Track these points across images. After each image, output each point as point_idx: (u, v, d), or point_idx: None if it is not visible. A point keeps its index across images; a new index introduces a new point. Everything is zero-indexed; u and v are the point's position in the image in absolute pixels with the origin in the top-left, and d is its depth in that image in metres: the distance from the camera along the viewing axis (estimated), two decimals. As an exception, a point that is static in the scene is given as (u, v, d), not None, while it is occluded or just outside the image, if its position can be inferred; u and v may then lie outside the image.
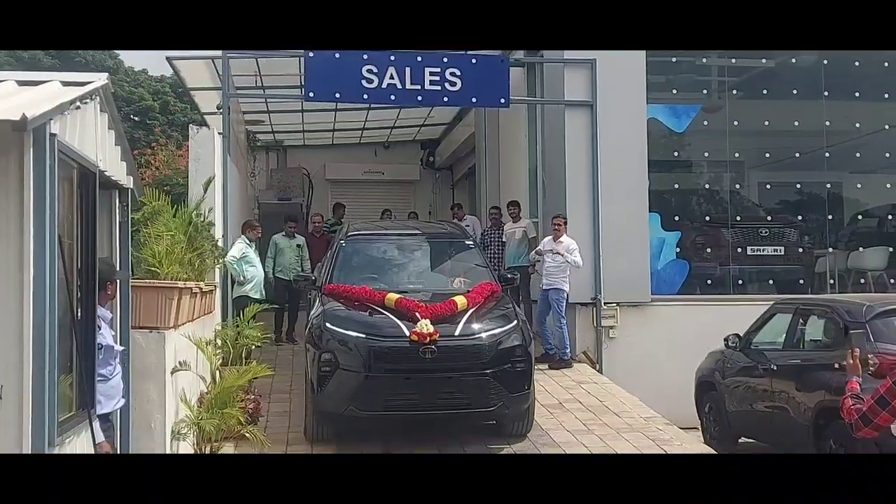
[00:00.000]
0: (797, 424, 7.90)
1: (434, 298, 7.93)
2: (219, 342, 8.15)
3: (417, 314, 7.45)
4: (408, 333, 7.28)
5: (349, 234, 9.33)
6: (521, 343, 7.69)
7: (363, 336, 7.44)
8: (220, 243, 9.37)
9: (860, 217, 12.97)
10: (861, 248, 12.57)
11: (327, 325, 7.62)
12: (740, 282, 12.18)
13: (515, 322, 7.83)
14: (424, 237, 9.66)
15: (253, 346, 8.19)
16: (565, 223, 10.63)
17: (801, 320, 8.45)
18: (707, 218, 12.43)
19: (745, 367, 8.97)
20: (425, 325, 7.26)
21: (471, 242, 9.53)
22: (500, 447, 7.59)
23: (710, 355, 9.79)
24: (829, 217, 12.56)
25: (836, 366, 7.47)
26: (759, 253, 12.31)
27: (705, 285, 12.06)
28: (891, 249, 12.46)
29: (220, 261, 9.23)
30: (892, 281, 12.14)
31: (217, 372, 7.68)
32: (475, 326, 7.62)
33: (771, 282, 12.24)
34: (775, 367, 8.41)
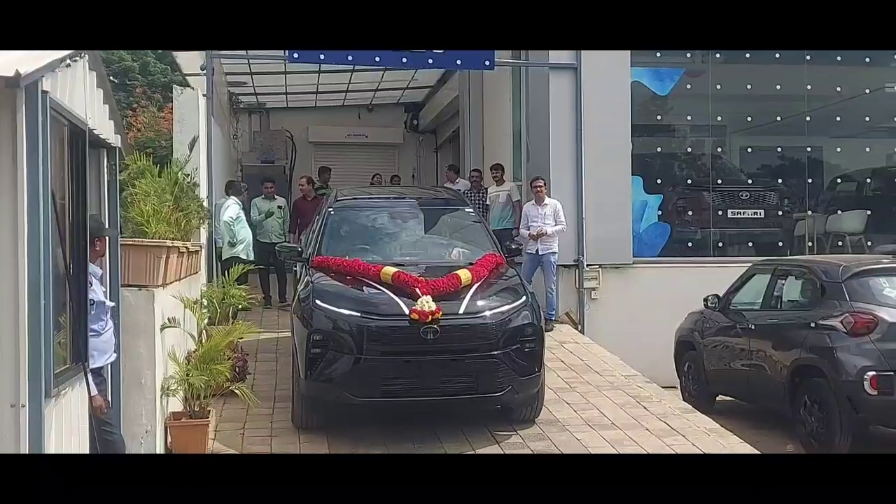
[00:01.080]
0: (773, 382, 8.11)
1: (434, 272, 7.23)
2: (205, 302, 8.22)
3: (417, 290, 6.77)
4: (407, 311, 6.62)
5: (337, 200, 8.62)
6: (531, 321, 7.01)
7: (357, 314, 6.75)
8: (204, 204, 9.42)
9: (839, 181, 13.13)
10: (840, 212, 12.75)
11: (316, 302, 6.93)
12: (720, 244, 12.35)
13: (525, 298, 7.14)
14: (420, 204, 8.91)
15: (239, 306, 8.22)
16: (545, 185, 10.72)
17: (778, 281, 8.63)
18: (689, 181, 12.56)
19: (723, 326, 9.15)
20: (426, 303, 6.59)
21: (471, 210, 8.81)
22: (508, 434, 7.03)
23: (689, 316, 9.97)
24: (809, 181, 12.72)
25: (813, 325, 7.70)
26: (739, 216, 12.47)
27: (686, 248, 12.23)
28: (869, 212, 12.65)
29: (206, 221, 9.26)
30: (869, 243, 12.34)
31: (203, 332, 7.74)
32: (481, 303, 6.93)
33: (751, 244, 12.41)
34: (753, 327, 8.59)
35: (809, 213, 12.71)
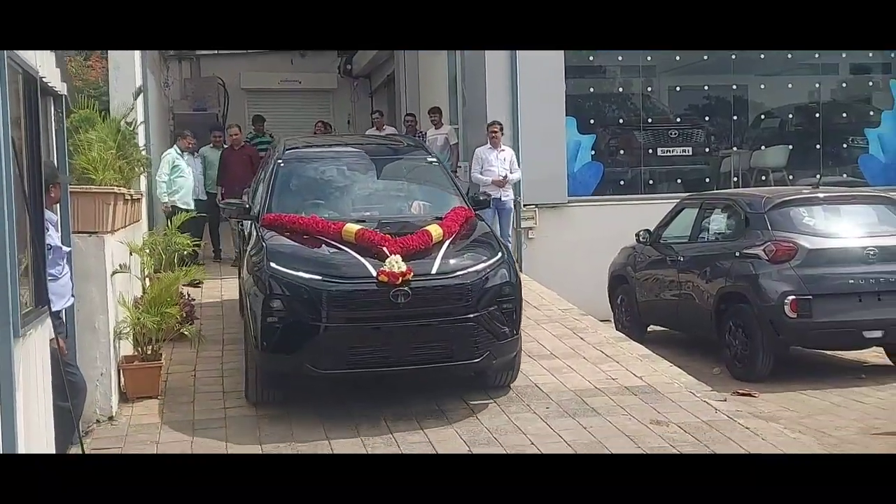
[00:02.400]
0: (701, 310, 8.57)
1: (401, 228, 6.67)
2: (147, 250, 8.30)
3: (385, 249, 6.16)
4: (374, 273, 6.04)
5: (287, 150, 7.81)
6: (508, 279, 6.46)
7: (318, 278, 6.12)
8: (143, 152, 9.43)
9: (763, 117, 13.63)
10: (763, 147, 13.28)
11: (271, 265, 6.26)
12: (651, 182, 12.80)
13: (501, 254, 6.59)
14: (378, 153, 8.31)
15: (185, 253, 8.32)
16: (501, 130, 10.87)
17: (705, 214, 9.06)
18: (620, 121, 12.92)
19: (654, 260, 9.58)
20: (396, 263, 6.03)
21: (434, 159, 8.04)
22: (484, 403, 6.56)
23: (622, 251, 10.38)
24: (735, 118, 13.21)
25: (737, 254, 8.14)
26: (668, 154, 12.93)
27: (618, 186, 12.66)
28: (791, 148, 13.20)
29: (147, 170, 9.29)
30: (791, 177, 12.91)
31: (147, 279, 7.83)
32: (455, 262, 6.36)
33: (679, 181, 12.86)
34: (682, 259, 9.02)
35: (735, 149, 13.22)
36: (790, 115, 13.66)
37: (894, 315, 7.65)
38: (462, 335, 6.18)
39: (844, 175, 13.32)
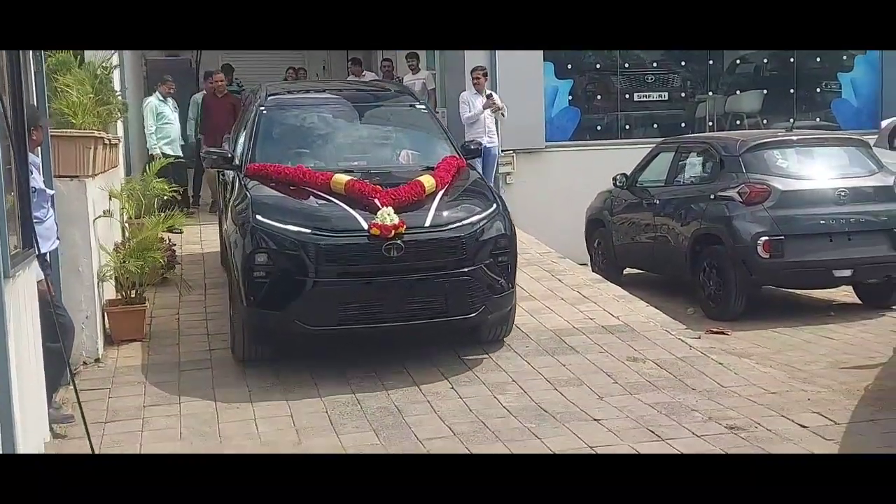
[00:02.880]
0: (676, 252, 8.73)
1: (392, 179, 6.42)
2: (126, 195, 8.29)
3: (377, 201, 5.95)
4: (366, 226, 5.84)
5: (270, 96, 7.51)
6: (504, 231, 6.30)
7: (307, 231, 5.90)
8: (119, 97, 9.35)
9: (738, 62, 13.70)
10: (738, 92, 13.38)
11: (258, 217, 6.02)
12: (627, 126, 12.90)
13: (495, 205, 6.40)
14: (363, 100, 7.97)
15: (164, 197, 8.31)
16: (485, 75, 10.85)
17: (681, 158, 9.18)
18: (597, 66, 12.95)
19: (630, 203, 9.70)
20: (388, 215, 5.83)
21: (423, 105, 7.79)
22: (479, 358, 6.39)
23: (599, 195, 10.49)
24: (710, 63, 13.26)
25: (712, 196, 8.29)
26: (644, 99, 13.02)
27: (595, 131, 12.74)
28: (765, 92, 13.32)
29: (124, 114, 9.23)
30: (765, 122, 13.04)
31: (127, 224, 7.84)
32: (449, 213, 6.15)
33: (655, 126, 12.98)
34: (658, 202, 9.15)
35: (710, 94, 13.31)
36: (765, 61, 13.74)
37: (863, 254, 7.84)
38: (457, 290, 5.98)
39: (818, 119, 13.47)
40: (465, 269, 6.01)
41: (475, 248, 6.08)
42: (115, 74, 9.65)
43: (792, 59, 13.48)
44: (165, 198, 8.35)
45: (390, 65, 13.50)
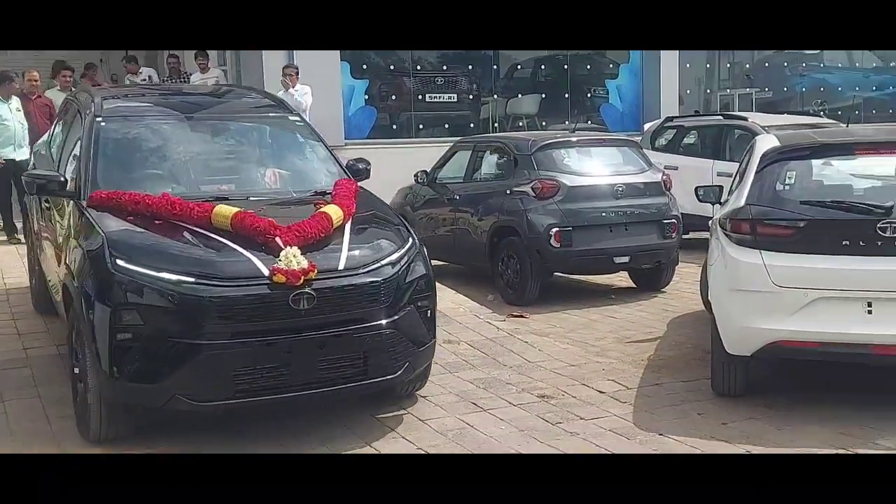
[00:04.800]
0: (476, 244, 9.38)
1: (286, 210, 5.40)
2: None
3: (278, 239, 4.84)
4: (266, 272, 4.71)
5: (106, 103, 6.17)
6: (425, 272, 5.36)
7: (189, 280, 4.67)
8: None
9: (519, 68, 14.73)
10: (519, 95, 14.40)
11: (119, 262, 4.75)
12: (421, 126, 13.55)
13: (412, 240, 5.44)
14: (225, 109, 6.76)
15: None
16: (297, 74, 10.99)
17: (478, 156, 9.86)
18: (391, 67, 13.48)
19: (431, 199, 10.25)
20: (294, 257, 4.74)
21: (297, 117, 6.71)
22: (395, 414, 5.55)
23: (399, 191, 10.97)
24: (495, 67, 14.18)
25: (508, 192, 9.01)
26: (436, 100, 13.71)
27: (391, 130, 13.27)
28: (543, 96, 14.43)
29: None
30: (543, 123, 14.13)
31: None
32: (364, 253, 5.11)
33: (447, 126, 13.71)
34: (457, 197, 9.77)
35: (494, 97, 14.24)
36: (542, 67, 14.87)
37: (638, 243, 8.82)
38: (378, 346, 4.97)
39: (589, 122, 14.76)
40: (387, 321, 4.99)
41: (397, 294, 5.08)
42: None
43: (566, 66, 14.69)
44: None
45: (177, 62, 13.22)
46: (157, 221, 5.13)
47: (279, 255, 4.77)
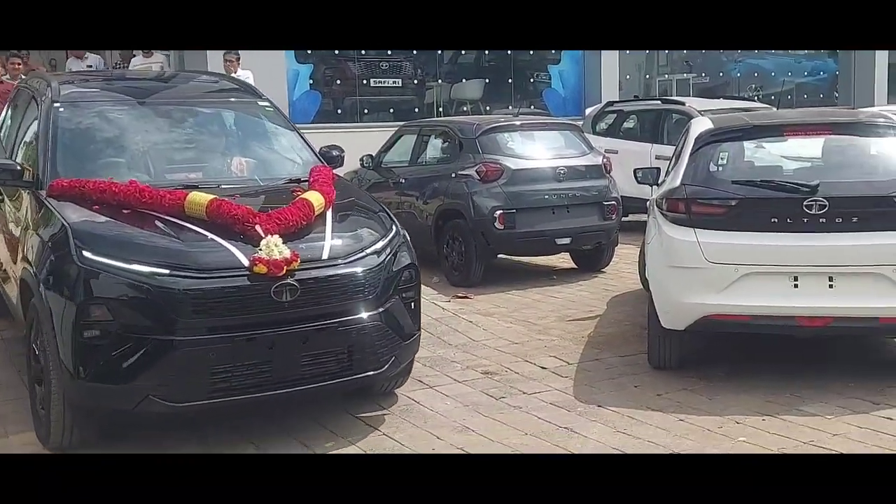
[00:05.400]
0: (422, 227, 9.49)
1: (257, 198, 5.20)
2: None
3: (258, 227, 4.59)
4: (246, 262, 4.47)
5: (63, 87, 5.89)
6: (410, 261, 5.18)
7: (163, 271, 4.40)
8: None
9: (463, 53, 14.86)
10: (463, 81, 14.55)
11: (85, 254, 4.45)
12: (366, 111, 13.62)
13: (395, 228, 5.27)
14: (187, 93, 6.51)
15: None
16: (238, 60, 10.99)
17: (423, 140, 9.99)
18: (336, 52, 13.51)
19: (376, 182, 10.35)
20: (275, 246, 4.49)
21: (266, 102, 6.48)
22: (380, 414, 5.36)
23: (345, 175, 11.05)
24: (439, 53, 14.30)
25: (453, 175, 9.16)
26: (380, 85, 13.79)
27: (336, 114, 13.32)
28: (486, 81, 14.59)
29: None
30: (487, 108, 14.30)
31: None
32: (347, 242, 4.90)
33: (391, 110, 13.79)
34: (403, 181, 9.89)
35: (439, 82, 14.36)
36: (486, 53, 15.02)
37: (579, 224, 9.04)
38: (363, 339, 4.74)
39: (532, 106, 14.98)
40: (372, 313, 4.77)
41: (383, 285, 4.87)
42: None
43: (509, 52, 14.86)
44: None
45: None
46: (124, 210, 4.82)
47: (259, 245, 4.52)
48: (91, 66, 12.17)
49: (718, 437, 4.88)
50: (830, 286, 5.39)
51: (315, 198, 5.00)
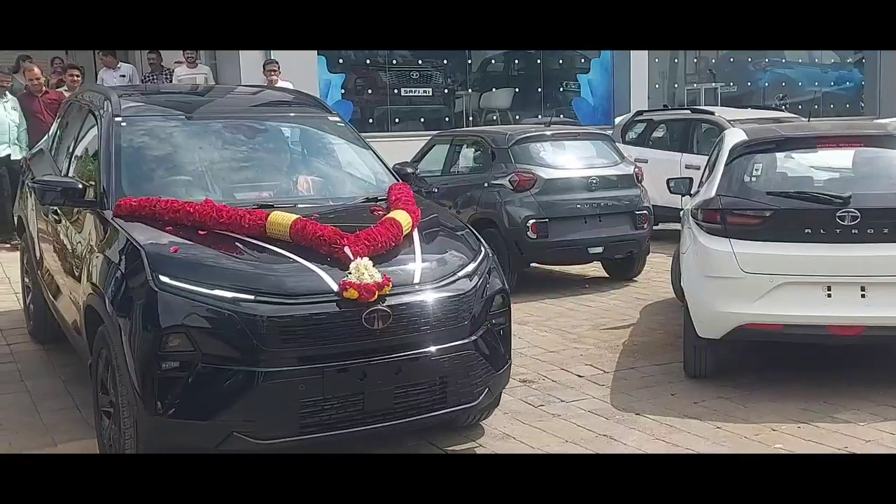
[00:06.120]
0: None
1: (345, 217, 4.99)
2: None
3: (347, 249, 4.26)
4: (335, 287, 4.16)
5: (125, 105, 5.56)
6: (502, 286, 4.83)
7: (248, 297, 4.09)
8: None
9: (492, 61, 15.02)
10: (493, 90, 14.70)
11: (161, 279, 4.13)
12: (397, 120, 13.78)
13: (484, 250, 4.89)
14: (255, 108, 6.24)
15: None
16: (279, 68, 11.19)
17: (456, 149, 10.14)
18: (367, 62, 13.71)
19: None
20: (366, 270, 4.17)
21: (337, 118, 6.18)
22: (470, 446, 5.05)
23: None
24: (469, 62, 14.46)
25: (486, 185, 9.30)
26: (411, 94, 13.98)
27: (368, 123, 13.50)
28: (516, 90, 14.73)
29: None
30: (517, 117, 14.44)
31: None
32: (439, 266, 4.57)
33: (422, 120, 13.96)
34: (436, 190, 9.97)
35: (469, 91, 14.52)
36: (515, 61, 15.17)
37: (611, 234, 9.14)
38: (458, 370, 4.41)
39: (561, 116, 15.10)
40: (465, 341, 4.44)
41: (476, 310, 4.54)
42: None
43: (539, 61, 15.00)
44: None
45: (158, 57, 13.14)
46: (199, 232, 4.51)
47: (349, 268, 4.18)
48: (125, 77, 12.27)
49: (755, 445, 4.99)
50: (863, 296, 5.48)
51: (403, 217, 4.69)
